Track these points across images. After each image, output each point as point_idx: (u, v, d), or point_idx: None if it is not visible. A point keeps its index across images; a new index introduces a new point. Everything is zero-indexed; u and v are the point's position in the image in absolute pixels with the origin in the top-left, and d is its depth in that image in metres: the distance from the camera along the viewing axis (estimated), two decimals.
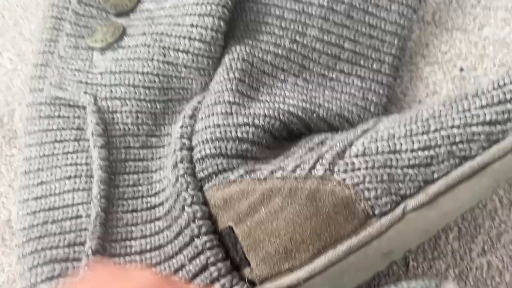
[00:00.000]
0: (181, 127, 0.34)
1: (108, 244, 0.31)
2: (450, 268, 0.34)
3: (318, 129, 0.35)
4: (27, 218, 0.32)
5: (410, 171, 0.27)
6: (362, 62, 0.39)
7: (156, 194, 0.34)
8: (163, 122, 0.37)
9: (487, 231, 0.36)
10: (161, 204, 0.33)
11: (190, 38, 0.36)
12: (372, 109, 0.37)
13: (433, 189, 0.27)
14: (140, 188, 0.34)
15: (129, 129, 0.36)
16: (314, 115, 0.35)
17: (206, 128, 0.33)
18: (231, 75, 0.35)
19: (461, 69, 0.41)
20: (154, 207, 0.33)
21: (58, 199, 0.32)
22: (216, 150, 0.32)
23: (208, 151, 0.32)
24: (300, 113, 0.34)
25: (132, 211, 0.33)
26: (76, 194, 0.32)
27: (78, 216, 0.31)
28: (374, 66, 0.39)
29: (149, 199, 0.34)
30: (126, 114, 0.36)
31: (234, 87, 0.34)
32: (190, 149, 0.33)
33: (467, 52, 0.42)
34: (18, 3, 0.43)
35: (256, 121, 0.32)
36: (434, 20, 0.43)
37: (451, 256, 0.35)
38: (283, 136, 0.34)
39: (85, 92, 0.36)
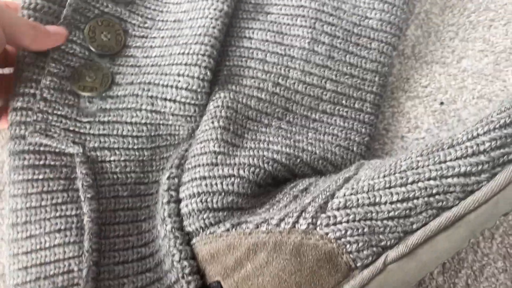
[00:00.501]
0: (168, 178, 0.34)
1: None
2: None
3: (302, 174, 0.36)
4: (19, 274, 0.32)
5: (390, 222, 0.28)
6: (344, 102, 0.40)
7: (146, 244, 0.35)
8: (150, 169, 0.38)
9: (470, 265, 0.37)
10: (151, 255, 0.34)
11: (177, 87, 0.37)
12: (355, 149, 0.38)
13: (412, 240, 0.28)
14: (130, 238, 0.35)
15: (117, 178, 0.37)
16: (298, 160, 0.36)
17: (192, 181, 0.33)
18: (215, 124, 0.35)
19: (441, 103, 0.42)
20: (144, 257, 0.34)
21: (48, 253, 0.33)
22: (202, 204, 0.32)
23: (194, 206, 0.32)
24: (284, 160, 0.35)
25: (123, 262, 0.34)
26: (67, 248, 0.33)
27: (70, 271, 0.32)
28: (356, 105, 0.40)
29: (139, 249, 0.34)
30: (115, 164, 0.37)
31: (219, 136, 0.35)
32: (178, 201, 0.33)
33: (446, 85, 0.43)
34: None
35: (241, 172, 0.33)
36: (414, 54, 0.44)
37: None
38: (268, 183, 0.35)
39: (74, 142, 0.36)
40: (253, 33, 0.40)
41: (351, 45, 0.41)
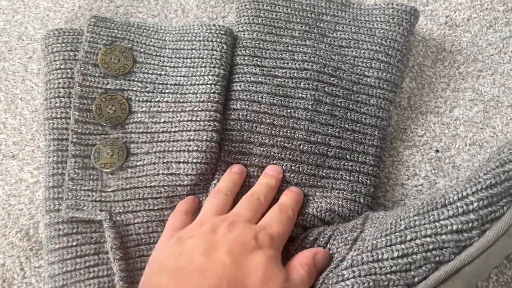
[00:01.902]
0: None
1: None
2: None
3: (312, 225, 0.40)
4: None
5: (393, 276, 0.32)
6: (348, 156, 0.44)
7: None
8: None
9: None
10: None
11: (188, 151, 0.42)
12: (361, 200, 0.42)
13: None
14: None
15: (141, 238, 0.41)
16: (306, 213, 0.40)
17: None
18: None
19: (437, 151, 0.46)
20: None
21: None
22: None
23: None
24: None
25: None
26: None
27: None
28: (360, 158, 0.44)
29: None
30: (138, 225, 0.41)
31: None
32: None
33: (441, 133, 0.47)
34: (34, 118, 0.47)
35: None
36: (410, 105, 0.48)
37: None
38: None
39: (101, 210, 0.41)
40: (261, 97, 0.44)
41: (351, 103, 0.45)
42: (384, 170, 0.46)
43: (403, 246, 0.32)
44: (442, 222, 0.32)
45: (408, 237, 0.32)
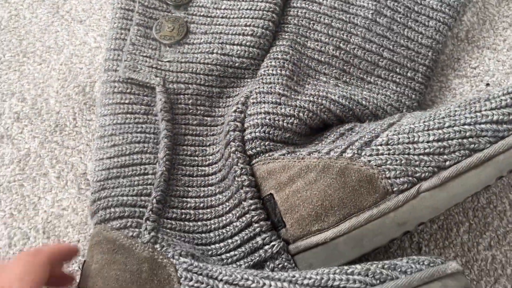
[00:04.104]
0: (235, 111, 0.41)
1: (169, 198, 0.39)
2: (458, 257, 0.40)
3: (349, 116, 0.43)
4: (102, 173, 0.40)
5: (426, 157, 0.34)
6: (398, 70, 0.46)
7: (209, 165, 0.41)
8: (217, 105, 0.45)
9: (495, 229, 0.42)
10: (214, 173, 0.41)
11: (244, 34, 0.45)
12: (404, 111, 0.44)
13: (444, 174, 0.33)
14: (196, 158, 0.42)
15: (189, 109, 0.44)
16: (350, 112, 0.42)
17: (257, 114, 0.40)
18: (283, 72, 0.42)
19: (487, 84, 0.48)
20: (207, 175, 0.41)
21: (128, 158, 0.40)
22: (265, 134, 0.39)
23: (258, 134, 0.39)
24: (338, 112, 0.41)
25: (189, 175, 0.41)
26: (144, 156, 0.40)
27: (145, 173, 0.39)
28: (409, 74, 0.46)
29: (203, 168, 0.41)
30: (188, 96, 0.44)
31: (284, 82, 0.42)
32: (242, 130, 0.40)
33: (494, 69, 0.48)
34: None
35: (301, 115, 0.40)
36: (467, 38, 0.50)
37: (460, 247, 0.41)
38: (320, 127, 0.42)
39: (156, 76, 0.44)
40: None
41: (410, 20, 0.47)
42: (430, 94, 0.48)
43: (440, 131, 0.34)
44: (483, 112, 0.34)
45: (447, 124, 0.34)
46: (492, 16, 0.51)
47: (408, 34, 0.46)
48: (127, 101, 0.43)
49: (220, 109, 0.45)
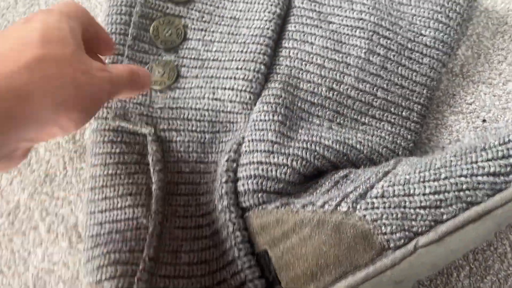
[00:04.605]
0: (227, 160, 0.41)
1: (161, 253, 0.38)
2: None
3: (344, 167, 0.42)
4: (95, 228, 0.39)
5: (422, 211, 0.34)
6: (392, 109, 0.45)
7: (203, 215, 0.41)
8: (210, 151, 0.44)
9: (496, 273, 0.41)
10: (208, 225, 0.40)
11: (235, 78, 0.45)
12: (400, 152, 0.44)
13: (442, 228, 0.33)
14: (189, 208, 0.41)
15: (181, 156, 0.44)
16: (345, 158, 0.41)
17: (250, 164, 0.40)
18: (275, 117, 0.42)
19: (484, 121, 0.47)
20: (202, 226, 0.40)
21: (120, 212, 0.39)
22: (258, 185, 0.39)
23: (250, 186, 0.39)
24: (332, 158, 0.41)
25: (183, 227, 0.40)
26: (136, 210, 0.40)
27: (138, 228, 0.39)
28: (404, 113, 0.45)
29: (197, 218, 0.41)
30: (180, 143, 0.44)
31: (277, 128, 0.41)
32: (234, 181, 0.40)
33: (490, 104, 0.48)
34: None
35: (294, 164, 0.39)
36: (462, 72, 0.50)
37: None
38: (313, 174, 0.41)
39: (147, 123, 0.44)
40: (315, 39, 0.46)
41: (404, 58, 0.46)
42: (426, 132, 0.47)
43: (436, 183, 0.34)
44: (479, 164, 0.33)
45: (443, 176, 0.34)
46: (486, 49, 0.50)
47: (402, 72, 0.46)
48: (118, 151, 0.42)
49: (212, 154, 0.44)
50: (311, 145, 0.41)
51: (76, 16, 0.33)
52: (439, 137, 0.47)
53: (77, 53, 0.30)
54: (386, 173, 0.37)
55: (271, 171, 0.39)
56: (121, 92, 0.35)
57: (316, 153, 0.40)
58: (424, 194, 0.34)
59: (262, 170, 0.39)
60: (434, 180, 0.34)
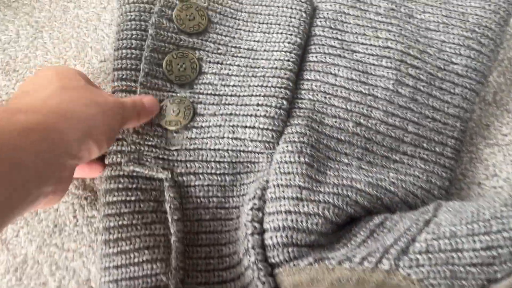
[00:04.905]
0: (251, 209, 0.38)
1: None
2: None
3: (377, 212, 0.39)
4: (110, 286, 0.36)
5: (473, 269, 0.31)
6: (425, 145, 0.42)
7: (227, 268, 0.38)
8: (231, 194, 0.41)
9: None
10: (233, 280, 0.37)
11: (256, 116, 0.41)
12: (435, 192, 0.41)
13: None
14: (211, 261, 0.38)
15: (201, 202, 0.41)
16: (379, 202, 0.38)
17: (277, 213, 0.37)
18: (301, 159, 0.39)
19: None
20: (226, 281, 0.37)
21: (138, 268, 0.37)
22: (287, 238, 0.36)
23: (279, 239, 0.36)
24: (366, 203, 0.38)
25: (205, 283, 0.37)
26: (155, 265, 0.37)
27: (157, 286, 0.36)
28: (437, 149, 0.42)
29: (221, 272, 0.38)
30: (199, 188, 0.41)
31: (304, 171, 0.38)
32: (261, 233, 0.37)
33: None
34: (101, 68, 0.48)
35: (326, 213, 0.36)
36: (495, 101, 0.47)
37: None
38: (346, 221, 0.38)
39: (163, 168, 0.41)
40: (338, 70, 0.44)
41: (434, 89, 0.44)
42: (460, 166, 0.44)
43: (487, 237, 0.31)
44: None
45: (494, 228, 0.31)
46: None
47: (433, 104, 0.43)
48: (133, 198, 0.39)
49: (234, 198, 0.41)
50: (342, 189, 0.38)
51: (76, 71, 0.39)
52: (474, 172, 0.44)
53: (88, 85, 0.36)
54: (427, 222, 0.34)
55: (301, 222, 0.36)
56: (129, 118, 0.38)
57: (348, 199, 0.37)
58: (474, 250, 0.31)
59: (292, 221, 0.36)
60: (484, 234, 0.31)
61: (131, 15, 0.45)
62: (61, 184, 0.32)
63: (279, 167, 0.39)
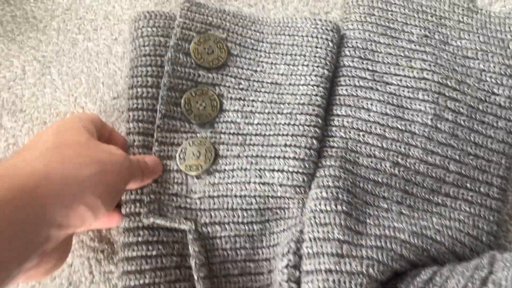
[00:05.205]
0: (287, 266, 0.34)
1: None
2: None
3: (422, 264, 0.36)
4: None
5: None
6: (468, 185, 0.39)
7: None
8: (260, 245, 0.38)
9: None
10: None
11: (284, 158, 0.38)
12: (484, 239, 0.37)
13: None
14: None
15: (227, 255, 0.37)
16: (425, 254, 0.35)
17: (316, 273, 0.33)
18: (339, 207, 0.36)
19: None
20: None
21: None
22: None
23: None
24: (412, 257, 0.34)
25: None
26: None
27: None
28: (482, 189, 0.39)
29: None
30: (225, 239, 0.38)
31: (342, 222, 0.35)
32: None
33: None
34: (115, 106, 0.45)
35: (370, 270, 0.33)
36: None
37: None
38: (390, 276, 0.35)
39: (186, 218, 0.37)
40: (371, 104, 0.40)
41: (476, 123, 0.40)
42: (507, 206, 0.41)
43: None
44: None
45: None
46: None
47: (475, 140, 0.40)
48: (154, 253, 0.36)
49: (264, 250, 0.38)
50: (385, 242, 0.35)
51: (87, 118, 0.36)
52: None
53: (92, 139, 0.34)
54: (484, 281, 0.31)
55: (345, 282, 0.33)
56: (135, 176, 0.35)
57: (393, 253, 0.34)
58: None
59: (333, 281, 0.33)
60: None
61: (146, 50, 0.41)
62: (50, 256, 0.30)
63: (314, 217, 0.36)
